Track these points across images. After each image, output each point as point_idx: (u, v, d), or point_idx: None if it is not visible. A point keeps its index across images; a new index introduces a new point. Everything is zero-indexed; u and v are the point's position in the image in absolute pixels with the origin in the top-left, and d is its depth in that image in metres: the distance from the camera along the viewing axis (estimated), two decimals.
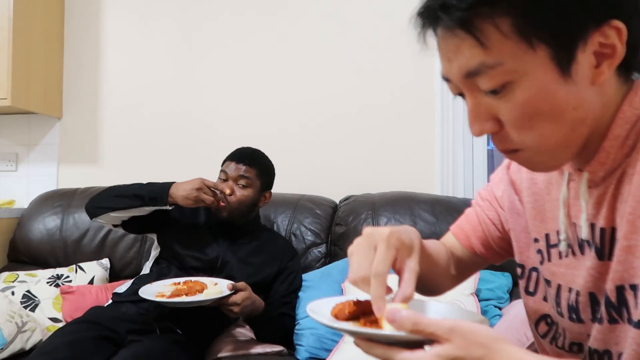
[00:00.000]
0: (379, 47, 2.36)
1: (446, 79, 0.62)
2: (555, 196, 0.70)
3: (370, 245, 0.64)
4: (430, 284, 0.84)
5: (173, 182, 1.72)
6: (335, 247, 2.03)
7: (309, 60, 2.42)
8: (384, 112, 2.34)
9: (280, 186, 1.97)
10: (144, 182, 2.35)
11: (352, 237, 1.92)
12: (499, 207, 0.84)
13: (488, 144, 2.35)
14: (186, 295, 1.47)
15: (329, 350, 1.60)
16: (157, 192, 1.70)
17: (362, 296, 0.67)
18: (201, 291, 1.51)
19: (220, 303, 1.49)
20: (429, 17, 0.59)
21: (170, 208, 1.73)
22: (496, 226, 0.85)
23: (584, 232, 0.64)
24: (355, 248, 0.65)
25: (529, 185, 0.76)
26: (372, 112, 2.35)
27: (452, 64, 0.59)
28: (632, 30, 0.56)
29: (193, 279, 1.59)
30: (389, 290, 0.63)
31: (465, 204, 1.99)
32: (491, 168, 2.55)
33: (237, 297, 1.50)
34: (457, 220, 0.92)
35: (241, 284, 1.52)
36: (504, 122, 0.59)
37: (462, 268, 0.89)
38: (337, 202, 2.18)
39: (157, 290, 1.52)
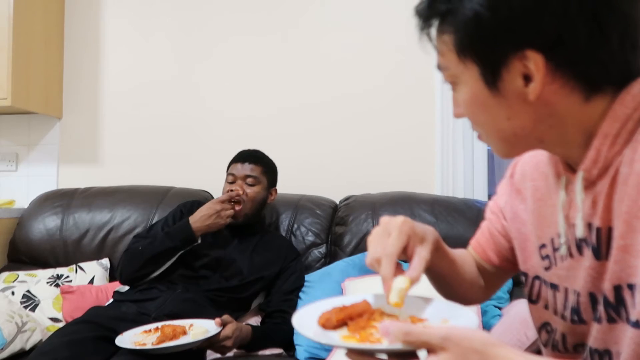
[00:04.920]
0: (379, 49, 2.36)
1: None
2: (556, 200, 0.71)
3: (385, 232, 0.71)
4: (458, 291, 0.86)
5: (187, 220, 1.73)
6: (335, 248, 2.03)
7: (309, 62, 2.42)
8: (384, 112, 2.34)
9: (281, 186, 1.98)
10: (145, 184, 2.37)
11: (352, 237, 1.96)
12: (503, 218, 0.86)
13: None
14: (171, 340, 1.39)
15: (329, 351, 1.60)
16: (184, 236, 1.70)
17: (348, 300, 0.70)
18: (184, 333, 1.44)
19: (210, 341, 1.45)
20: (419, 24, 0.68)
21: (199, 242, 1.73)
22: (505, 238, 0.86)
23: (579, 231, 0.64)
24: (373, 235, 0.73)
25: (532, 192, 0.77)
26: (372, 112, 2.35)
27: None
28: (561, 58, 0.58)
29: (166, 323, 1.48)
30: (401, 271, 0.68)
31: (465, 203, 2.03)
32: (491, 168, 2.55)
33: (227, 331, 1.48)
34: (475, 234, 0.93)
35: (226, 317, 1.50)
36: None
37: (489, 279, 0.90)
38: (337, 202, 2.18)
39: (133, 340, 1.42)
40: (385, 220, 0.73)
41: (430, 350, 0.54)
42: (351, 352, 0.59)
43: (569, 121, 0.62)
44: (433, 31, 0.65)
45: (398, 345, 0.54)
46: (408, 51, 2.31)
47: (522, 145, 0.66)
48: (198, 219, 1.70)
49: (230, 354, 1.59)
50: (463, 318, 0.65)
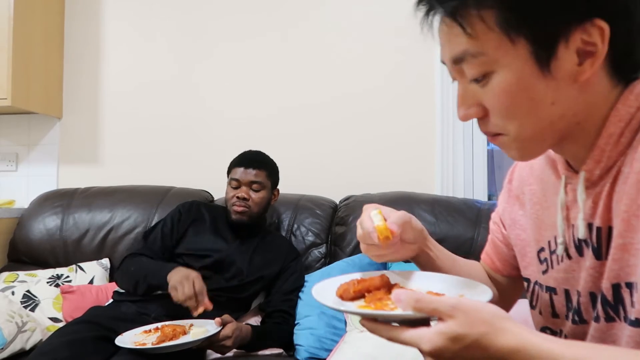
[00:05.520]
0: (379, 49, 2.36)
1: (443, 62, 0.65)
2: (552, 202, 0.70)
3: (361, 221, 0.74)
4: None
5: (174, 267, 1.61)
6: (335, 248, 2.03)
7: (309, 62, 2.42)
8: (384, 112, 2.34)
9: (281, 186, 1.98)
10: (145, 184, 2.37)
11: (352, 237, 1.96)
12: (502, 227, 0.86)
13: (488, 144, 2.35)
14: (171, 340, 1.40)
15: (329, 350, 1.60)
16: (160, 283, 1.61)
17: (368, 275, 0.72)
18: (184, 333, 1.44)
19: (210, 341, 1.45)
20: (425, 6, 0.62)
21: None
22: (507, 247, 0.86)
23: (581, 232, 0.64)
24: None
25: (530, 197, 0.77)
26: (372, 112, 2.35)
27: (445, 49, 0.62)
28: (619, 31, 0.56)
29: (166, 323, 1.51)
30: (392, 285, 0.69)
31: (465, 203, 2.03)
32: (491, 168, 2.54)
33: (227, 331, 1.48)
34: (485, 247, 0.93)
35: (226, 317, 1.50)
36: (488, 108, 0.62)
37: (503, 290, 0.89)
38: (337, 202, 2.18)
39: (133, 340, 1.43)
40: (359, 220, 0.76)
41: (440, 318, 0.54)
42: (365, 319, 0.59)
43: (592, 113, 0.61)
44: (458, 14, 0.58)
45: (409, 312, 0.56)
46: (408, 51, 2.31)
47: (547, 141, 0.63)
48: (173, 277, 1.54)
49: (230, 353, 1.59)
50: (478, 291, 0.65)
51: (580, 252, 0.66)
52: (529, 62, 0.57)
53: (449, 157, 2.25)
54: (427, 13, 0.61)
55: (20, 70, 2.34)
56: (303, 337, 1.67)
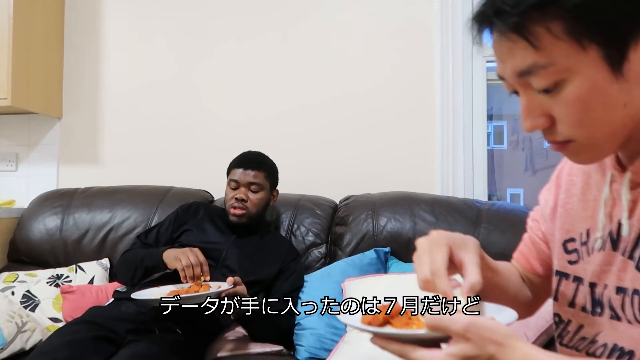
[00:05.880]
0: (379, 49, 2.36)
1: (501, 77, 0.64)
2: (591, 197, 0.71)
3: (425, 251, 0.67)
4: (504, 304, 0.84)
5: (168, 248, 1.68)
6: (335, 248, 2.03)
7: (309, 63, 2.42)
8: (384, 112, 2.34)
9: (281, 186, 1.98)
10: (145, 184, 2.37)
11: (352, 237, 1.96)
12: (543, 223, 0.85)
13: (488, 144, 2.35)
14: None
15: (329, 350, 1.60)
16: (156, 263, 1.67)
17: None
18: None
19: (226, 294, 1.45)
20: (483, 21, 0.61)
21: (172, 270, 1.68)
22: (547, 244, 0.84)
23: (625, 230, 0.65)
24: (415, 260, 0.69)
25: (568, 186, 0.77)
26: (372, 112, 2.35)
27: (506, 64, 0.61)
28: None
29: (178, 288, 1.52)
30: (456, 283, 0.65)
31: (465, 203, 2.03)
32: (491, 168, 2.55)
33: (238, 287, 1.48)
34: (518, 246, 0.92)
35: (237, 279, 1.50)
36: (556, 117, 0.60)
37: (536, 290, 0.88)
38: (337, 202, 2.18)
39: (153, 293, 1.46)
40: (420, 240, 0.70)
41: (452, 338, 0.55)
42: (376, 337, 0.60)
43: None
44: (522, 28, 0.57)
45: (421, 331, 0.56)
46: (408, 51, 2.31)
47: (617, 142, 0.62)
48: (171, 256, 1.63)
49: (230, 345, 1.59)
50: (504, 315, 0.65)
51: (615, 248, 0.67)
52: (601, 66, 0.56)
53: (449, 157, 2.25)
54: (483, 29, 0.61)
55: (20, 70, 2.34)
56: (303, 337, 1.67)
